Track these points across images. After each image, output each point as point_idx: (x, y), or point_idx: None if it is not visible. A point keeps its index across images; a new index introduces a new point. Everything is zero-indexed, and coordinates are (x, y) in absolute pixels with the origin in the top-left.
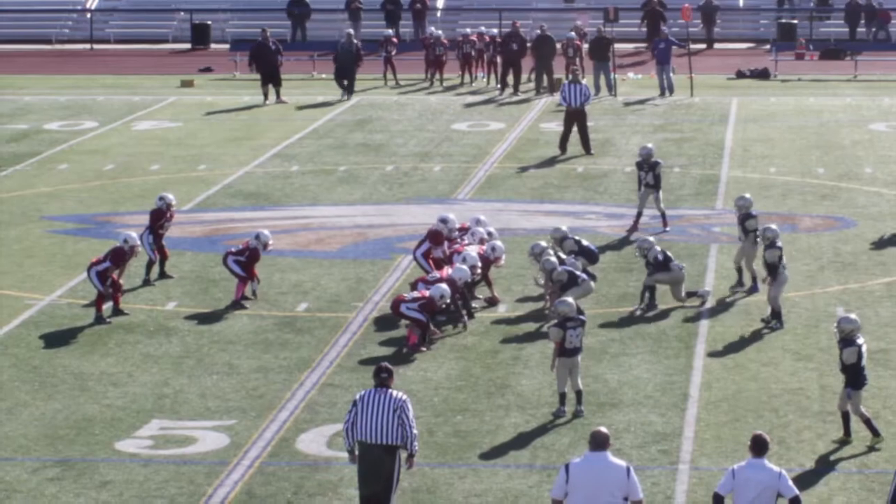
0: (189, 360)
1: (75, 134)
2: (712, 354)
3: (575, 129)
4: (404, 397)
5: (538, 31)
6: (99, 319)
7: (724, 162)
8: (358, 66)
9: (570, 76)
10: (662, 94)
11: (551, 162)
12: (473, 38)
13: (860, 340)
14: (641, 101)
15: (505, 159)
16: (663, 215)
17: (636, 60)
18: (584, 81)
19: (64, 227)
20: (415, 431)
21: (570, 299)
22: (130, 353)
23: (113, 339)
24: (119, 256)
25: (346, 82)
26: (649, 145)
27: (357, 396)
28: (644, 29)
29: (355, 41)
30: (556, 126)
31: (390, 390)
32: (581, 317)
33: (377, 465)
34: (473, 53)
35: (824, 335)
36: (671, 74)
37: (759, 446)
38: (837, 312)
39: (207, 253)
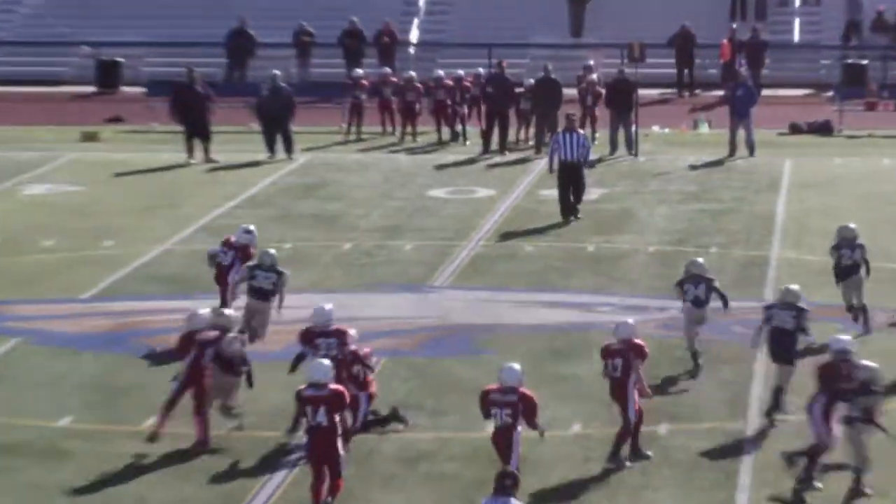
0: (89, 492)
1: None
2: (759, 487)
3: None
4: None
5: (539, 73)
6: None
7: (775, 240)
8: (291, 117)
9: (566, 122)
10: (732, 154)
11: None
12: (449, 81)
13: None
14: (718, 162)
15: (495, 236)
16: None
17: (664, 110)
18: (581, 130)
19: None
20: None
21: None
22: (10, 483)
23: None
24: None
25: (279, 139)
26: None
27: None
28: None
29: (283, 84)
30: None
31: (512, 499)
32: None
33: None
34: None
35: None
36: (752, 129)
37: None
38: None
39: (114, 354)
